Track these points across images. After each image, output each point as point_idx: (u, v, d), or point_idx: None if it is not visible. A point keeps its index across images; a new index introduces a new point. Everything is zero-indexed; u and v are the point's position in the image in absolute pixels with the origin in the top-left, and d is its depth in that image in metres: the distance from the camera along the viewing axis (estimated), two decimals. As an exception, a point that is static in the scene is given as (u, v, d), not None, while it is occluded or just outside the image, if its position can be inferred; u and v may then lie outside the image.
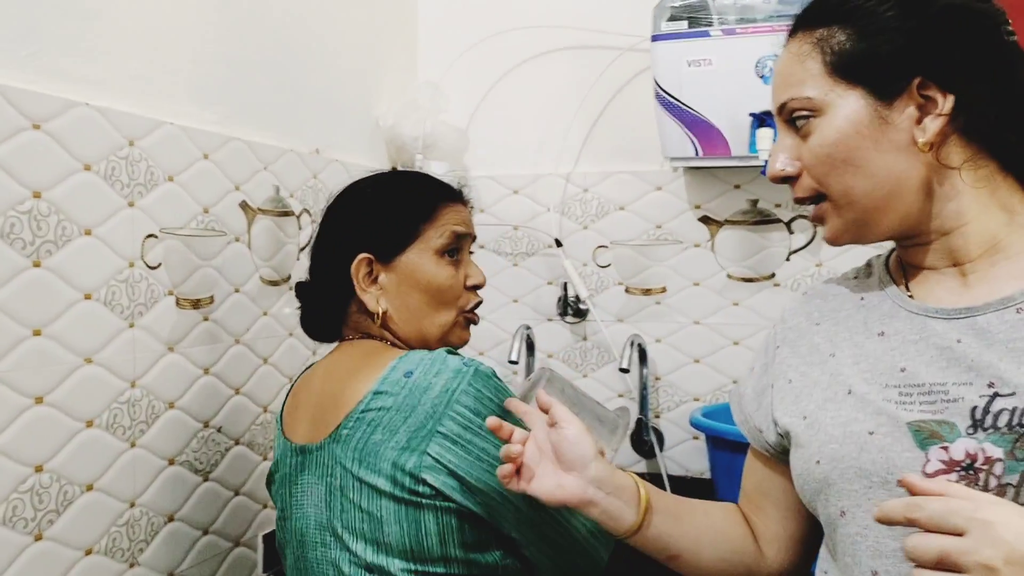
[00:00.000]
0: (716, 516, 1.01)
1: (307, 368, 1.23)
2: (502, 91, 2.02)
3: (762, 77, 1.59)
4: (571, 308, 1.95)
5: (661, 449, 1.88)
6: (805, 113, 0.87)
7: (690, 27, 1.65)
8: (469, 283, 1.21)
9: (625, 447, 1.91)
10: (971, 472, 0.77)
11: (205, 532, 1.36)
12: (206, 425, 1.36)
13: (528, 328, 1.93)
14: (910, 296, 0.90)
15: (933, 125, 0.83)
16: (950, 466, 0.78)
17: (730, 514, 1.03)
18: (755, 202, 1.81)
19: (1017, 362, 0.79)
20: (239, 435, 1.44)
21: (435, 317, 1.17)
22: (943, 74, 0.83)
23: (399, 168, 1.94)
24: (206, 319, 1.36)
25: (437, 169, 1.89)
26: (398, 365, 1.05)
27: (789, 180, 0.91)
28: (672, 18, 1.67)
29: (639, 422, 1.88)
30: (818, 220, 0.91)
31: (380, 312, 1.14)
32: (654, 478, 1.89)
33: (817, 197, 0.89)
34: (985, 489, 0.76)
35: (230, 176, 1.41)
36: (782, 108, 0.89)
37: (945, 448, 0.78)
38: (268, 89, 1.53)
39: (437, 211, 1.18)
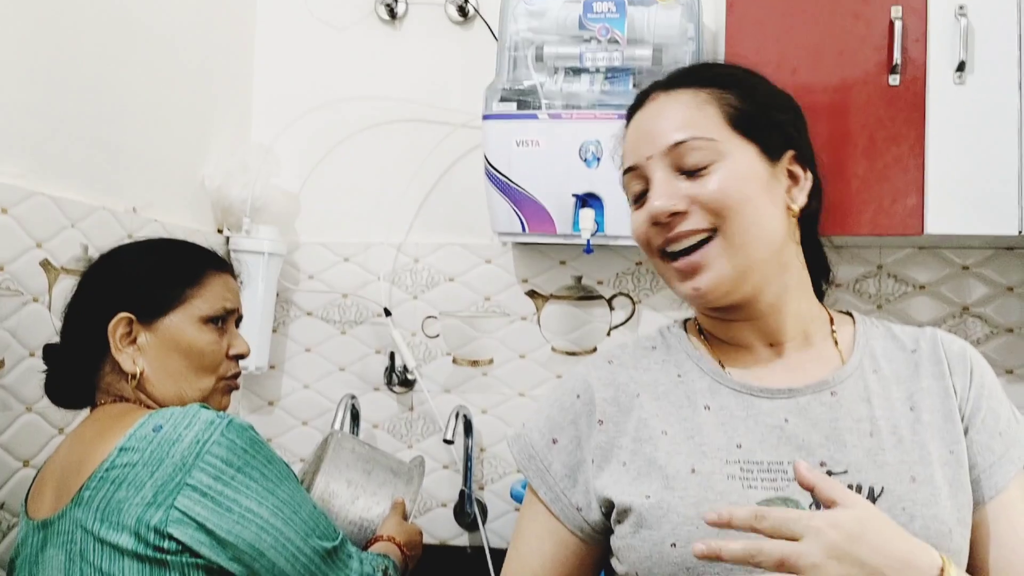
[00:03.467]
0: None
1: None
2: (336, 158, 2.01)
3: (585, 160, 1.67)
4: (398, 377, 1.93)
5: (484, 521, 1.87)
6: (703, 154, 0.89)
7: (519, 109, 1.71)
8: (232, 352, 1.22)
9: (448, 520, 1.90)
10: None
11: (-22, 620, 1.24)
12: (-14, 501, 1.25)
13: (353, 397, 1.90)
14: (726, 372, 0.93)
15: (800, 196, 0.93)
16: None
17: None
18: (579, 278, 1.88)
19: (840, 442, 0.86)
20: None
21: (195, 381, 1.18)
22: (805, 155, 0.95)
23: (225, 231, 1.89)
24: (-7, 385, 1.26)
25: (266, 233, 1.86)
26: (148, 420, 1.03)
27: (675, 216, 0.89)
28: (503, 99, 1.73)
29: (462, 494, 1.87)
30: (694, 270, 0.89)
31: (136, 372, 1.12)
32: (477, 551, 1.88)
33: (703, 239, 0.88)
34: None
35: (31, 233, 1.33)
36: (676, 146, 0.90)
37: None
38: (80, 142, 1.46)
39: (204, 278, 1.20)
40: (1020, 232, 1.50)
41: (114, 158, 1.55)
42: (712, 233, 0.88)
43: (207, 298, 1.19)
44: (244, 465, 1.03)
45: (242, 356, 1.24)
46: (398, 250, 1.97)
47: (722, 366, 0.95)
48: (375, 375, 1.96)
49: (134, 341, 1.13)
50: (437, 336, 1.94)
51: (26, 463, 1.33)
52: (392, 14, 1.99)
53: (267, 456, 1.07)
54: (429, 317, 1.94)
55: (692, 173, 0.89)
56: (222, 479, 1.01)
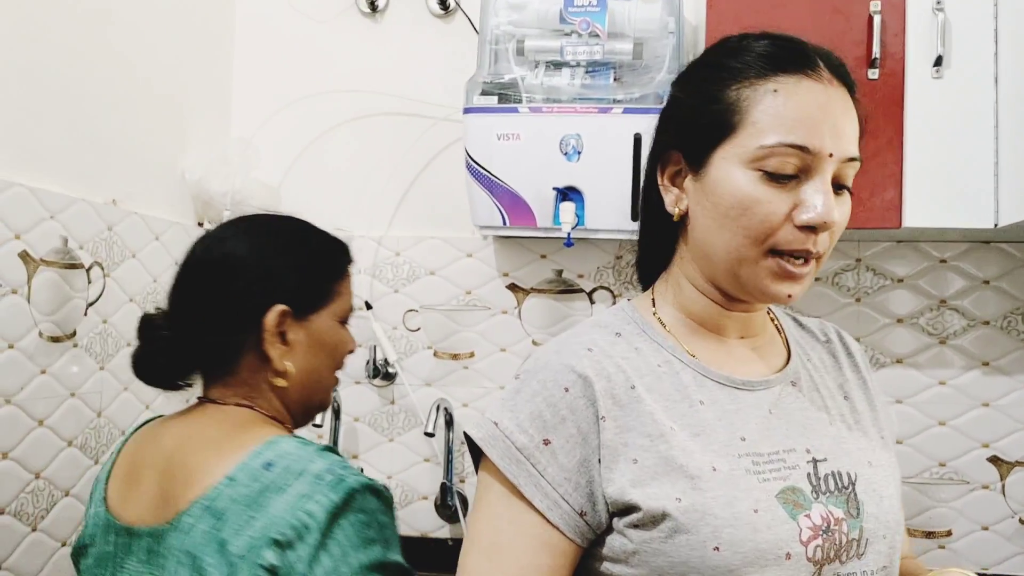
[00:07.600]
0: None
1: (145, 423, 1.09)
2: (317, 151, 2.01)
3: (565, 154, 1.67)
4: (379, 371, 1.93)
5: (465, 514, 1.88)
6: (851, 179, 0.86)
7: (500, 102, 1.71)
8: (350, 349, 1.14)
9: (429, 513, 1.90)
10: (829, 534, 0.81)
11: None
12: (-37, 494, 1.24)
13: (334, 391, 1.90)
14: (703, 364, 0.90)
15: None
16: (816, 532, 0.80)
17: None
18: (560, 272, 1.88)
19: (813, 431, 0.88)
20: (4, 505, 1.32)
21: (329, 383, 1.11)
22: None
23: (206, 224, 1.88)
24: (-30, 377, 1.25)
25: (246, 226, 1.84)
26: (262, 452, 0.95)
27: (817, 231, 0.83)
28: (484, 93, 1.73)
29: (443, 487, 1.88)
30: (797, 278, 0.85)
31: (286, 370, 1.04)
32: (458, 543, 1.88)
33: (809, 255, 0.85)
34: (839, 548, 0.81)
35: (9, 224, 1.32)
36: (850, 161, 0.84)
37: (808, 516, 0.81)
38: (60, 134, 1.45)
39: (347, 273, 1.12)
40: (996, 225, 1.52)
41: (93, 150, 1.54)
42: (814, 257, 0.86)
43: (346, 295, 1.11)
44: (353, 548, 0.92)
45: (351, 352, 1.15)
46: (379, 243, 1.97)
47: (692, 356, 0.91)
48: (356, 369, 1.96)
49: (284, 336, 1.04)
50: (418, 330, 1.94)
51: (4, 455, 1.32)
52: (373, 7, 1.98)
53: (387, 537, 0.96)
54: (410, 311, 1.94)
55: (836, 193, 0.84)
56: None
